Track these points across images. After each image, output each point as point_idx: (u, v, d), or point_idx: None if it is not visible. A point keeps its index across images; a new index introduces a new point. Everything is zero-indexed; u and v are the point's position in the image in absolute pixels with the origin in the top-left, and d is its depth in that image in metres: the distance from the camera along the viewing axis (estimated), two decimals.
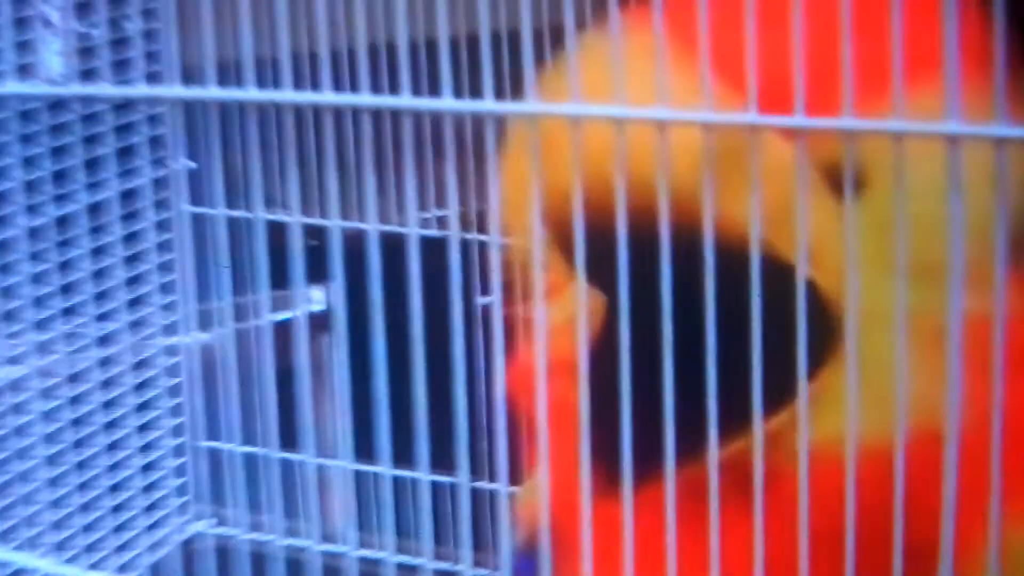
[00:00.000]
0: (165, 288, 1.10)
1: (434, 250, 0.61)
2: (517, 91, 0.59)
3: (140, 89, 0.79)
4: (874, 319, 0.58)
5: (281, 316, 0.74)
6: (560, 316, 0.62)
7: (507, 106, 0.59)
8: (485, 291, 0.78)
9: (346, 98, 0.59)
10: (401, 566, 0.74)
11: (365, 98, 0.59)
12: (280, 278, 0.63)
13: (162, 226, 1.10)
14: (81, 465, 1.05)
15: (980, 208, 0.57)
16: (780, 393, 0.59)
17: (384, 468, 0.60)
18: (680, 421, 0.57)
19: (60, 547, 1.02)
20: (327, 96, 0.58)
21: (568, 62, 0.59)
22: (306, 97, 0.58)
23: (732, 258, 0.57)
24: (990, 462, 0.54)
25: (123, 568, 1.06)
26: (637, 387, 0.58)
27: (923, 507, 0.54)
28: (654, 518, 0.57)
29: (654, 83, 0.59)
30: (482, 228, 0.89)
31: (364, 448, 0.62)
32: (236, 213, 0.72)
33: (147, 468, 1.11)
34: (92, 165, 1.03)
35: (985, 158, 0.56)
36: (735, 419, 0.57)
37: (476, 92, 0.59)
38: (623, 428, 0.57)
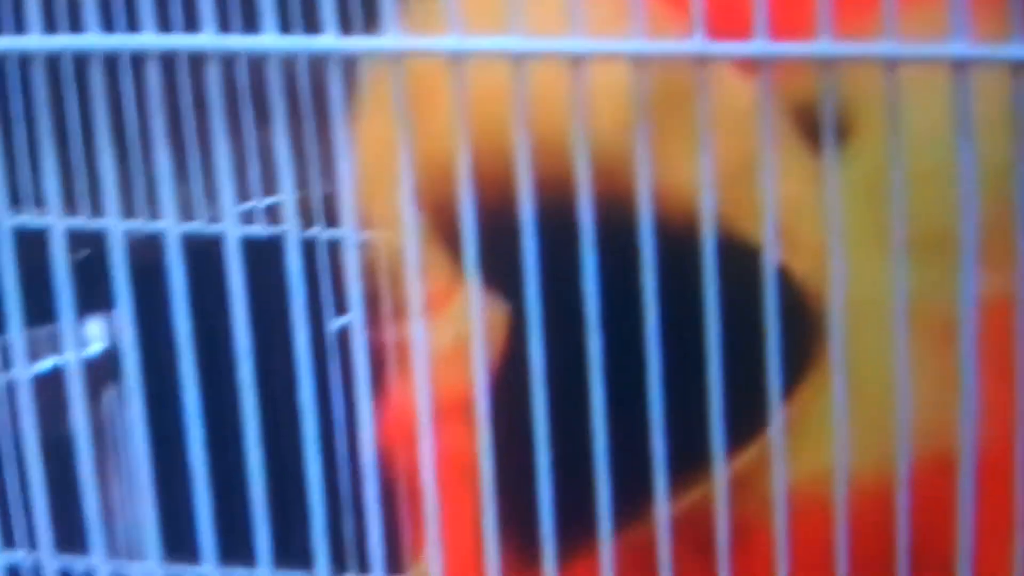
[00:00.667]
0: None
1: (263, 255, 0.51)
2: (370, 22, 0.50)
3: None
4: (866, 314, 0.52)
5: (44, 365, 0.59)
6: (448, 336, 0.55)
7: (359, 42, 0.49)
8: (340, 309, 0.63)
9: (121, 39, 0.47)
10: None
11: (148, 38, 0.46)
12: (39, 310, 0.51)
13: None
14: None
15: (1000, 157, 0.50)
16: (746, 421, 0.53)
17: (209, 569, 0.51)
18: (617, 470, 0.51)
19: None
20: (90, 38, 0.46)
21: None
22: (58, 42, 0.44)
23: (676, 240, 0.51)
24: (1015, 494, 0.50)
25: None
26: (557, 427, 0.51)
27: (932, 558, 0.51)
28: None
29: (560, 3, 0.50)
30: (331, 220, 0.73)
31: (176, 543, 0.54)
32: None
33: None
34: None
35: (1004, 90, 0.49)
36: (689, 461, 0.52)
37: (311, 26, 0.48)
38: (540, 486, 0.51)
